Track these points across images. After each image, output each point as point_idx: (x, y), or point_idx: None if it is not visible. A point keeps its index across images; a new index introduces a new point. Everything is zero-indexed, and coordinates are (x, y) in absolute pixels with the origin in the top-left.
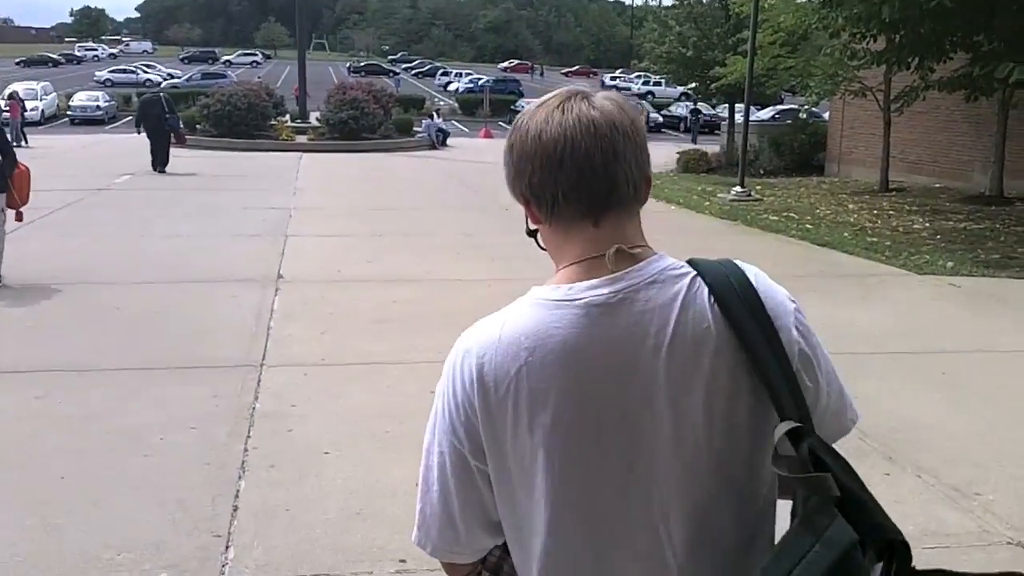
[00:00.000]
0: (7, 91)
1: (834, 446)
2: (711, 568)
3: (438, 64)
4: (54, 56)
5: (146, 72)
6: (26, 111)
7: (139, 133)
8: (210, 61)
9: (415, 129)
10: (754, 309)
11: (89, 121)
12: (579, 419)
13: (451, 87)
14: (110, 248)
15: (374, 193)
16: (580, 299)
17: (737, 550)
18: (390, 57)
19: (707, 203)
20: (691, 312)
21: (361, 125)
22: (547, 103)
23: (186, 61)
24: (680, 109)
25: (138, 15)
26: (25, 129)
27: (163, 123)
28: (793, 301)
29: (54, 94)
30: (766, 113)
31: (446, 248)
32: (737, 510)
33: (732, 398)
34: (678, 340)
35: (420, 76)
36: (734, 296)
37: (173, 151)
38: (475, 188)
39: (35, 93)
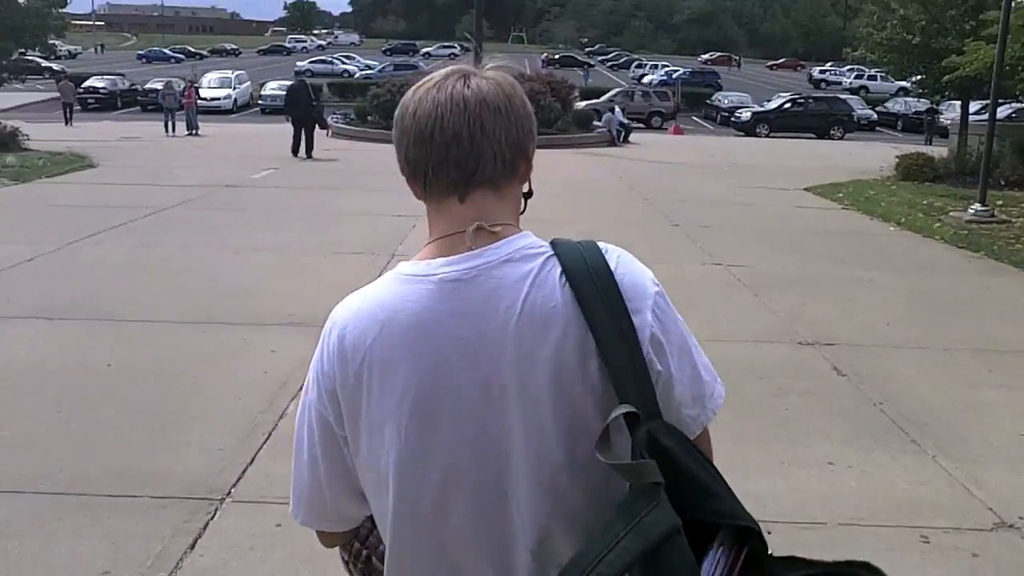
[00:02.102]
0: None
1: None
2: (565, 544)
3: (635, 56)
4: (287, 45)
5: (344, 63)
6: (200, 99)
7: (286, 120)
8: (410, 53)
9: (595, 124)
10: (606, 291)
11: (278, 110)
12: (425, 393)
13: (645, 79)
14: (175, 265)
15: (538, 198)
16: (435, 275)
17: (595, 528)
18: (587, 49)
19: (936, 224)
20: (541, 291)
21: (537, 119)
22: (428, 82)
23: (388, 53)
24: (897, 105)
25: (350, 9)
26: (198, 117)
27: (309, 110)
28: (657, 285)
29: (248, 83)
30: (1002, 111)
31: None
32: (590, 489)
33: (576, 379)
34: (525, 318)
35: (615, 68)
36: (586, 277)
37: (341, 143)
38: (644, 194)
39: (229, 81)
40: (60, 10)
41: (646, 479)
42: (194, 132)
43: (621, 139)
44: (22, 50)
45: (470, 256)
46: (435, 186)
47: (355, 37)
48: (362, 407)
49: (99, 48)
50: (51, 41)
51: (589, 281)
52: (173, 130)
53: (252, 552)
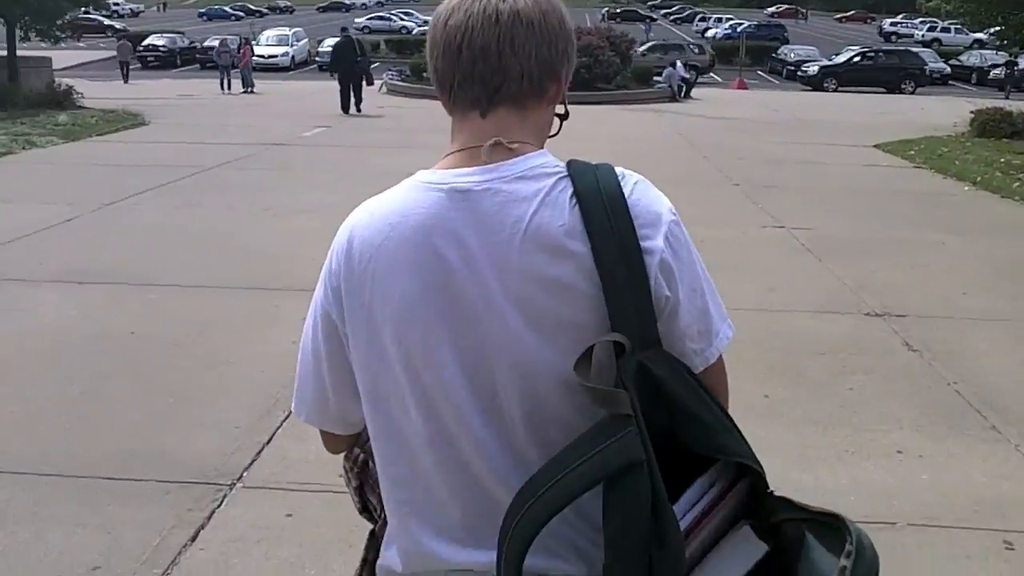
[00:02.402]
0: (238, 38)
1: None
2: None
3: (699, 9)
4: (346, 1)
5: (403, 20)
6: (257, 57)
7: (333, 77)
8: None
9: (655, 79)
10: (616, 214)
11: None
12: (426, 298)
13: (708, 33)
14: (214, 228)
15: (582, 156)
16: (448, 184)
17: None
18: (650, 3)
19: (1016, 183)
20: (550, 210)
21: (595, 74)
22: None
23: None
24: (972, 58)
25: None
26: (254, 74)
27: (355, 66)
28: (673, 214)
29: (306, 40)
30: None
31: None
32: (581, 414)
33: (577, 301)
34: (531, 235)
35: (678, 22)
36: (597, 199)
37: (395, 100)
38: (704, 152)
39: (287, 39)
40: None
41: (615, 408)
42: (249, 90)
43: (682, 94)
44: (84, 9)
45: (484, 169)
46: (459, 99)
47: None
48: (365, 307)
49: (162, 6)
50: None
51: (600, 203)
52: (228, 88)
53: (257, 546)
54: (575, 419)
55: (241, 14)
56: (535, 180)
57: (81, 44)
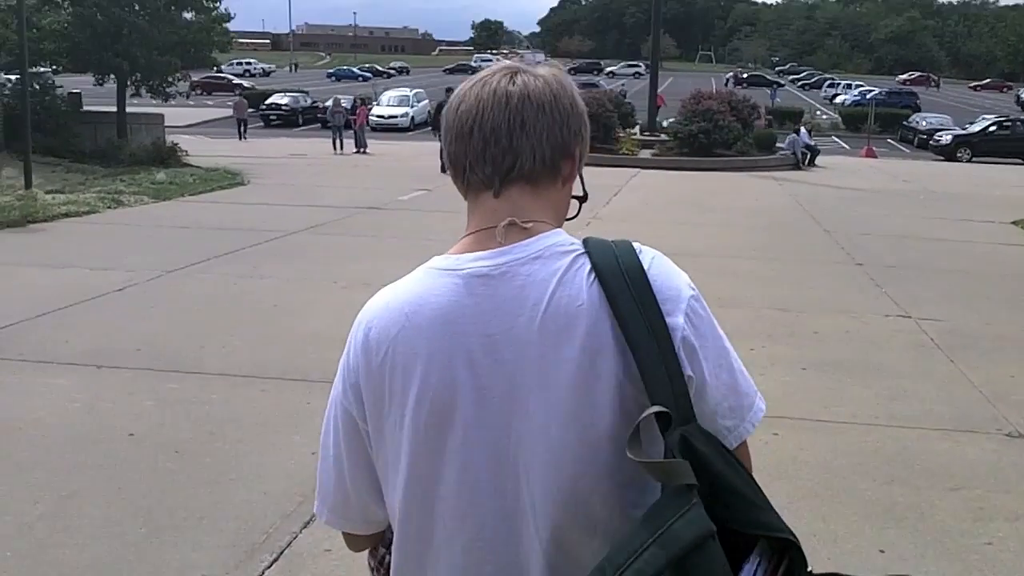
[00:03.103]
0: (352, 99)
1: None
2: (584, 554)
3: (827, 76)
4: (472, 64)
5: None
6: (375, 117)
7: (436, 137)
8: (594, 72)
9: (778, 146)
10: (638, 291)
11: None
12: (447, 388)
13: (837, 99)
14: (268, 302)
15: (688, 228)
16: (463, 269)
17: (616, 532)
18: (778, 68)
19: None
20: (568, 289)
21: (713, 139)
22: (478, 78)
23: (573, 72)
24: None
25: (539, 29)
26: (368, 134)
27: None
28: (693, 289)
29: (426, 101)
30: None
31: (742, 333)
32: (613, 497)
33: (602, 380)
34: (551, 316)
35: (806, 88)
36: (617, 275)
37: None
38: (826, 225)
39: (407, 100)
40: (223, 25)
41: (678, 480)
42: (362, 150)
43: (806, 162)
44: (216, 67)
45: (499, 252)
46: (473, 181)
47: (540, 56)
48: (384, 400)
49: (293, 67)
50: (246, 60)
51: (620, 280)
52: (341, 148)
53: None
54: (601, 507)
55: (369, 75)
56: (552, 259)
57: (209, 102)
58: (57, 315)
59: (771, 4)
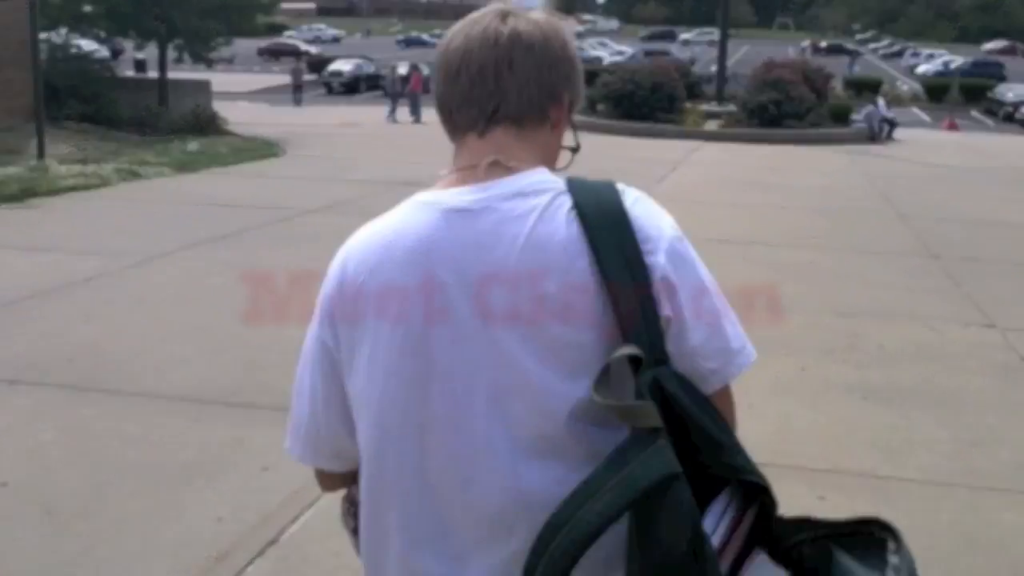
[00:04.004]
0: (406, 65)
1: None
2: (557, 490)
3: (909, 44)
4: None
5: (595, 50)
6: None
7: None
8: (669, 39)
9: (853, 117)
10: (618, 229)
11: None
12: (422, 318)
13: (919, 69)
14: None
15: (745, 210)
16: (443, 203)
17: (586, 470)
18: (858, 36)
19: None
20: (548, 225)
21: (784, 111)
22: (469, 19)
23: (646, 39)
24: None
25: None
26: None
27: None
28: (676, 230)
29: None
30: None
31: (794, 346)
32: (585, 432)
33: (580, 316)
34: (528, 251)
35: (887, 57)
36: (597, 213)
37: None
38: (901, 208)
39: None
40: None
41: (643, 422)
42: (416, 119)
43: (884, 135)
44: (287, 32)
45: (480, 188)
46: (458, 122)
47: (614, 24)
48: (359, 330)
49: (366, 32)
50: (316, 26)
51: (600, 217)
52: (394, 116)
53: None
54: (576, 444)
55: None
56: (532, 196)
57: (276, 68)
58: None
59: None
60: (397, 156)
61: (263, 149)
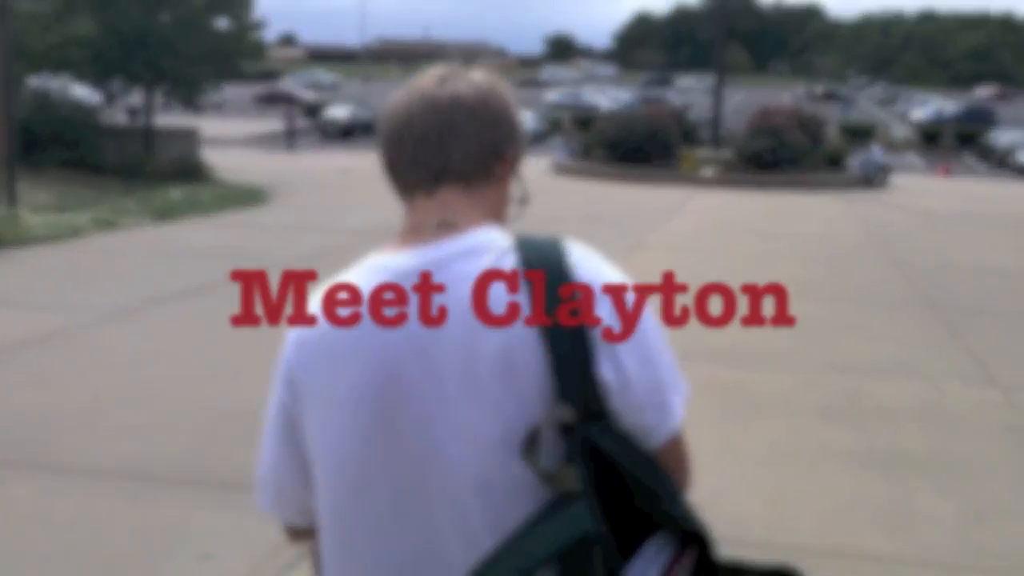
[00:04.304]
0: None
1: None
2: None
3: (903, 90)
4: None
5: (593, 97)
6: None
7: None
8: (667, 85)
9: (848, 162)
10: (560, 286)
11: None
12: (376, 385)
13: (912, 115)
14: (199, 359)
15: (742, 259)
16: (390, 267)
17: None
18: (852, 82)
19: None
20: (495, 285)
21: (779, 157)
22: (410, 87)
23: (645, 85)
24: None
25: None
26: None
27: None
28: (621, 283)
29: None
30: None
31: (791, 407)
32: (521, 491)
33: (523, 377)
34: (477, 312)
35: (881, 103)
36: (541, 272)
37: (559, 182)
38: (896, 255)
39: None
40: (255, 32)
41: (563, 486)
42: None
43: (879, 180)
44: (285, 78)
45: (427, 249)
46: (406, 183)
47: (611, 71)
48: (316, 392)
49: (365, 79)
50: (312, 72)
51: (544, 275)
52: None
53: None
54: (525, 498)
55: None
56: (479, 256)
57: (271, 115)
58: None
59: (846, 20)
60: (385, 203)
61: (247, 197)
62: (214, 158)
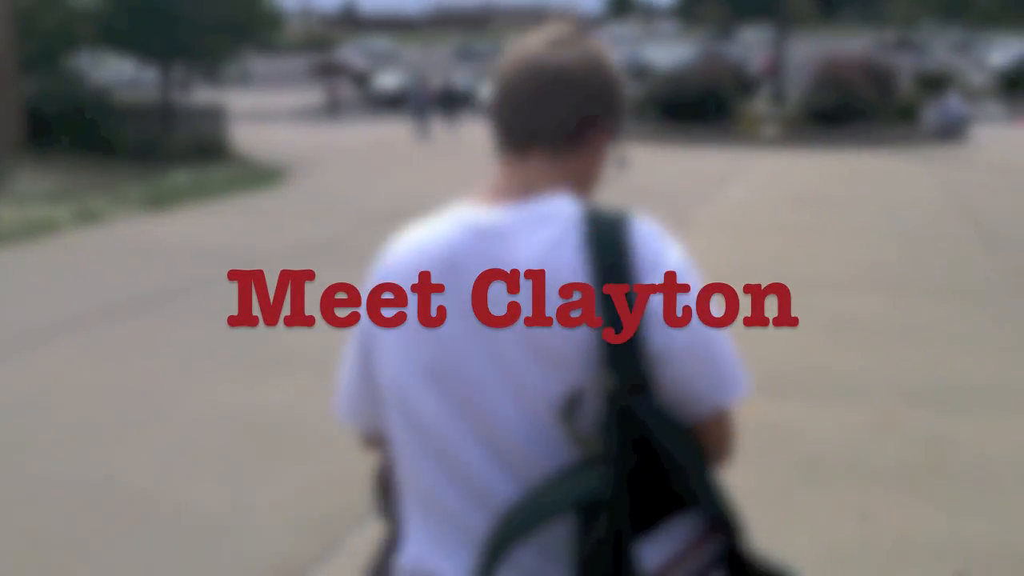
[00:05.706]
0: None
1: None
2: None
3: (981, 34)
4: (602, 36)
5: (651, 54)
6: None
7: None
8: (729, 37)
9: (925, 114)
10: (622, 259)
11: None
12: (427, 330)
13: (992, 60)
14: (159, 386)
15: (797, 239)
16: (470, 222)
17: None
18: (927, 28)
19: None
20: (558, 251)
21: (847, 111)
22: (522, 46)
23: (706, 40)
24: None
25: None
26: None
27: None
28: (681, 262)
29: None
30: None
31: (851, 463)
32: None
33: (574, 339)
34: (537, 274)
35: (956, 48)
36: (604, 243)
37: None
38: (982, 229)
39: None
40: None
41: (588, 452)
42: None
43: (956, 135)
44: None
45: (504, 209)
46: (502, 145)
47: (672, 26)
48: (384, 319)
49: (421, 48)
50: (369, 41)
51: (606, 247)
52: (425, 132)
53: None
54: (554, 462)
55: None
56: (548, 222)
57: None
58: None
59: None
60: (413, 180)
61: (262, 178)
62: (247, 134)
